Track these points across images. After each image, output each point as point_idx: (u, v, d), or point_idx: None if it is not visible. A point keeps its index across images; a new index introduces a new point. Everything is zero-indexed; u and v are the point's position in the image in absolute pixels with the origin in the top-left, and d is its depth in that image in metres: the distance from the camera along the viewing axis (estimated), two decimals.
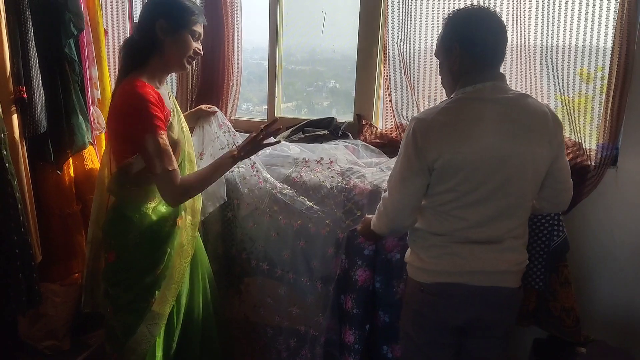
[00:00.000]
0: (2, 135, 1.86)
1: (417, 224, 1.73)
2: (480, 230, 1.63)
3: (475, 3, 2.46)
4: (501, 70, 1.69)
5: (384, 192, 1.76)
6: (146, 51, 1.80)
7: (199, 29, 1.84)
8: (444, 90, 2.53)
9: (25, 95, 1.95)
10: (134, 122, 1.70)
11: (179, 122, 1.90)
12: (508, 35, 1.66)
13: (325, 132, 2.71)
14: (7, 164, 1.87)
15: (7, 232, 1.89)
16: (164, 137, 1.70)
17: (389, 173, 2.10)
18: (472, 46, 1.62)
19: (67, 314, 2.56)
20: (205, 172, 1.85)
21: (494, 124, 1.57)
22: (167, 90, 1.95)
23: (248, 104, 3.31)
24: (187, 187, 1.77)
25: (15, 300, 1.92)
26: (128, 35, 2.65)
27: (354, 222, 2.20)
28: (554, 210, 1.95)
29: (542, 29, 2.38)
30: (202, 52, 1.89)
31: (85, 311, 2.07)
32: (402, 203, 1.67)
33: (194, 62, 2.79)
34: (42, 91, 2.02)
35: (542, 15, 2.36)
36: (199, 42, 1.87)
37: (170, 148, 1.72)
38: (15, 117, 1.97)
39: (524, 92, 1.90)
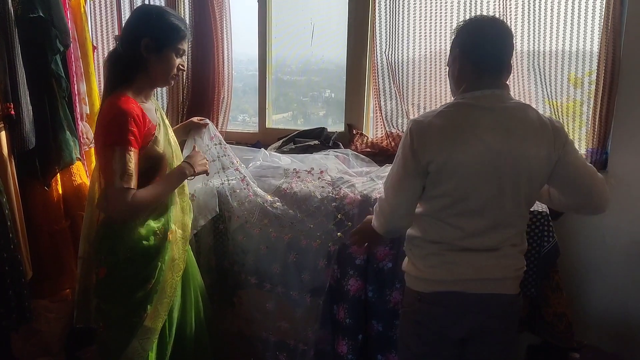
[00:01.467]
0: None
1: (414, 231, 1.73)
2: (477, 240, 1.63)
3: (471, 10, 2.49)
4: None
5: (381, 194, 1.78)
6: (131, 68, 1.80)
7: (183, 46, 1.85)
8: (433, 99, 2.66)
9: (13, 112, 1.95)
10: (109, 132, 1.70)
11: (166, 135, 1.90)
12: None
13: (316, 142, 2.73)
14: None
15: None
16: (131, 155, 1.69)
17: (380, 182, 2.11)
18: (471, 54, 1.63)
19: (61, 329, 2.54)
20: (157, 190, 1.81)
21: (489, 132, 1.57)
22: (155, 104, 1.95)
23: (244, 115, 3.33)
24: (137, 206, 1.74)
25: (5, 317, 1.91)
26: None
27: (345, 233, 2.19)
28: (590, 214, 1.88)
29: (529, 34, 2.40)
30: (185, 68, 1.91)
31: (78, 326, 2.06)
32: (397, 204, 1.69)
33: (184, 74, 2.87)
34: (30, 108, 2.02)
35: (529, 21, 2.39)
36: (183, 57, 1.88)
37: (133, 168, 1.69)
38: (3, 134, 1.96)
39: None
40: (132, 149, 1.69)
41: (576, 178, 1.67)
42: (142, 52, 1.78)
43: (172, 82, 1.90)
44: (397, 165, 1.67)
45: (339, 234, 2.21)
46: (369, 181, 2.32)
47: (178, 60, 1.85)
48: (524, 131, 1.59)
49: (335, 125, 3.00)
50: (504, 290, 1.67)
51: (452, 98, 1.73)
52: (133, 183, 1.69)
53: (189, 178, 1.93)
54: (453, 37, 1.70)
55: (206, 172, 1.95)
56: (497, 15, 2.42)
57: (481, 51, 1.62)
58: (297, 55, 3.07)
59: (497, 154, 1.57)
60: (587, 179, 1.68)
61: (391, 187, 1.69)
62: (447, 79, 2.51)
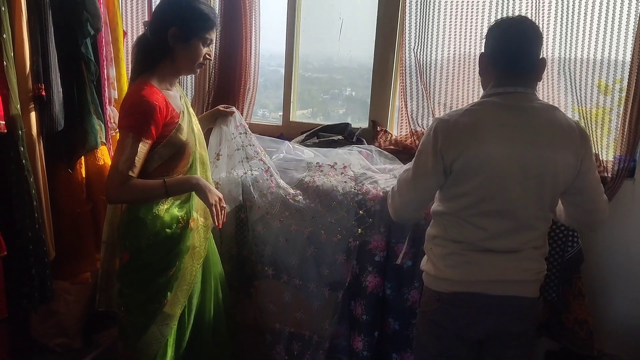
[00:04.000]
0: (20, 132, 1.87)
1: (435, 231, 1.72)
2: (499, 241, 1.61)
3: (503, 11, 2.46)
4: None
5: (394, 185, 1.79)
6: (157, 55, 1.82)
7: (211, 35, 1.85)
8: (460, 99, 2.64)
9: (44, 93, 1.97)
10: (128, 117, 1.73)
11: (190, 123, 1.91)
12: None
13: (340, 137, 2.72)
14: (24, 161, 1.88)
15: (22, 229, 1.90)
16: (143, 145, 1.72)
17: None
18: (495, 53, 1.64)
19: (79, 312, 2.57)
20: (155, 187, 1.78)
21: (515, 131, 1.56)
22: (180, 91, 1.96)
23: (264, 110, 3.34)
24: (129, 193, 1.75)
25: (27, 296, 1.93)
26: None
27: (366, 230, 2.19)
28: (584, 230, 1.91)
29: (560, 41, 2.37)
30: (211, 58, 1.91)
31: (100, 310, 2.08)
32: (408, 200, 1.72)
33: (211, 63, 2.87)
34: (61, 89, 2.04)
35: (562, 27, 2.35)
36: (210, 46, 1.88)
37: (140, 157, 1.72)
38: (33, 115, 1.98)
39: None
40: (146, 140, 1.72)
41: (586, 191, 1.67)
42: (169, 41, 1.78)
43: (198, 70, 1.91)
44: (416, 161, 1.67)
45: (359, 230, 2.20)
46: (391, 178, 2.31)
47: (205, 50, 1.85)
48: (551, 132, 1.58)
49: (355, 123, 2.97)
50: (523, 293, 1.66)
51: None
52: (134, 171, 1.72)
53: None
54: (485, 35, 1.69)
55: (211, 205, 1.82)
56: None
57: (505, 51, 1.62)
58: (320, 52, 3.07)
59: (523, 153, 1.56)
60: (595, 195, 1.68)
61: (405, 182, 1.71)
62: (476, 79, 2.54)
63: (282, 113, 3.07)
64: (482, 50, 1.70)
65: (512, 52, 1.61)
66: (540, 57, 1.64)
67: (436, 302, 1.70)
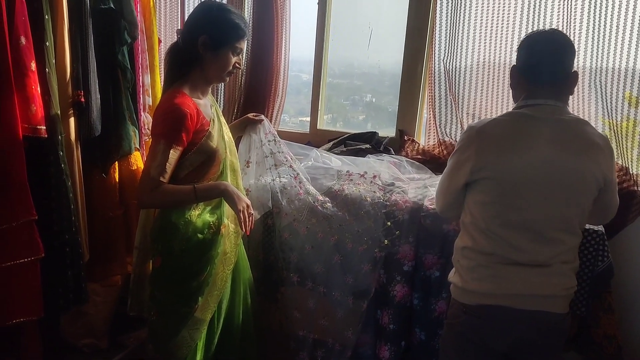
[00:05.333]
0: (60, 136, 1.92)
1: (463, 242, 1.72)
2: (526, 255, 1.61)
3: (534, 20, 2.46)
4: None
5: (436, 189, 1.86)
6: (188, 63, 1.84)
7: (241, 44, 1.87)
8: (489, 109, 2.64)
9: (82, 100, 2.01)
10: (161, 124, 1.76)
11: (220, 131, 1.93)
12: None
13: (367, 146, 2.72)
14: (62, 165, 1.93)
15: (60, 231, 1.94)
16: (174, 152, 1.75)
17: (432, 190, 2.11)
18: (528, 65, 1.65)
19: (107, 313, 2.61)
20: (185, 193, 1.81)
21: (543, 143, 1.56)
22: (211, 99, 1.98)
23: (284, 115, 3.32)
24: (159, 198, 1.78)
25: (62, 297, 1.98)
26: None
27: (392, 242, 2.19)
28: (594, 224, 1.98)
29: (592, 50, 2.35)
30: (241, 66, 1.93)
31: (131, 314, 2.11)
32: (447, 202, 1.78)
33: (240, 71, 2.90)
34: (99, 96, 2.08)
35: (592, 38, 2.34)
36: (239, 56, 1.90)
37: (171, 163, 1.75)
38: (72, 120, 2.03)
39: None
40: (177, 146, 1.75)
41: (607, 202, 1.70)
42: (199, 49, 1.81)
43: (227, 79, 1.93)
44: (450, 164, 1.72)
45: (385, 241, 2.20)
46: (421, 188, 2.31)
47: (234, 59, 1.87)
48: (580, 146, 1.57)
49: (375, 130, 2.95)
50: (552, 309, 1.64)
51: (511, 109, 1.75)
52: (165, 177, 1.75)
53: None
54: (517, 48, 1.71)
55: (239, 211, 1.84)
56: (559, 28, 2.39)
57: (537, 63, 1.63)
58: (342, 58, 3.08)
59: (551, 165, 1.56)
60: (613, 203, 1.73)
61: (442, 186, 1.77)
62: (505, 90, 2.53)
63: (302, 118, 3.08)
64: (514, 63, 1.71)
65: (544, 64, 1.62)
66: (573, 70, 1.64)
67: (463, 314, 1.69)
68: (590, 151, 1.58)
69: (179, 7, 3.06)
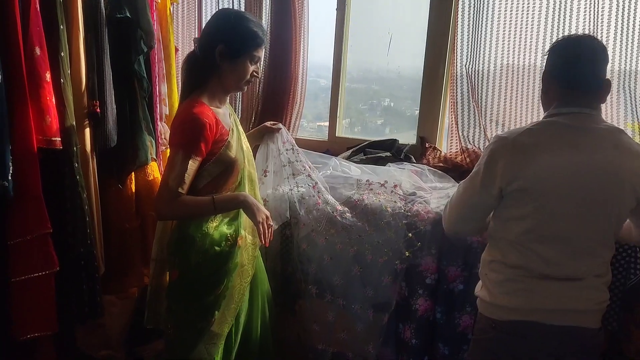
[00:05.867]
0: (75, 148, 1.90)
1: (491, 255, 1.67)
2: (559, 268, 1.55)
3: (560, 24, 2.39)
4: None
5: (450, 197, 1.76)
6: (205, 73, 1.82)
7: (259, 53, 1.84)
8: (513, 116, 2.58)
9: (98, 110, 1.99)
10: (179, 135, 1.75)
11: (239, 140, 1.91)
12: None
13: (387, 154, 2.67)
14: (77, 177, 1.90)
15: (75, 244, 1.92)
16: (193, 162, 1.72)
17: None
18: (560, 72, 1.59)
19: (123, 324, 2.58)
20: (204, 204, 1.78)
21: (578, 153, 1.51)
22: (229, 109, 1.96)
23: (302, 120, 3.26)
24: (178, 210, 1.76)
25: (77, 311, 1.95)
26: None
27: (414, 253, 2.14)
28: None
29: (620, 53, 2.28)
30: (259, 75, 1.91)
31: (148, 327, 2.08)
32: (461, 217, 1.70)
33: (258, 78, 2.87)
34: (115, 106, 2.06)
35: (621, 40, 2.27)
36: (257, 64, 1.87)
37: (189, 174, 1.73)
38: (87, 131, 2.01)
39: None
40: (195, 157, 1.72)
41: None
42: (217, 58, 1.78)
43: (245, 88, 1.91)
44: (471, 178, 1.64)
45: (407, 252, 2.15)
46: (444, 198, 2.25)
47: (252, 68, 1.84)
48: (616, 156, 1.51)
49: (393, 135, 2.94)
50: (584, 324, 1.58)
51: (537, 117, 1.71)
52: (183, 188, 1.72)
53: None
54: (547, 53, 1.65)
55: (259, 223, 1.81)
56: (587, 32, 2.32)
57: (571, 70, 1.57)
58: (359, 62, 3.05)
59: (586, 177, 1.50)
60: None
61: (457, 195, 1.69)
62: (530, 95, 2.46)
63: (319, 123, 3.06)
64: (543, 67, 1.66)
65: (579, 71, 1.57)
66: (606, 77, 1.59)
67: (491, 330, 1.63)
68: (629, 161, 1.52)
69: (197, 15, 3.04)
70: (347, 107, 3.12)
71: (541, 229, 1.54)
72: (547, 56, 1.65)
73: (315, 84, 3.10)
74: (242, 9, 2.93)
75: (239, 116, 3.04)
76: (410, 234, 2.15)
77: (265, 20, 2.93)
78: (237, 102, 3.07)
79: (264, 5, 2.93)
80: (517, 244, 1.58)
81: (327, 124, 3.05)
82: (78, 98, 1.95)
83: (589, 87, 1.57)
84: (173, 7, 2.95)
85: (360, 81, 3.14)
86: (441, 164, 2.64)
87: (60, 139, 1.81)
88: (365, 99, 3.19)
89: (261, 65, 2.86)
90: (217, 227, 1.88)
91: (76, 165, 1.90)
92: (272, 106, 2.94)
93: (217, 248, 1.85)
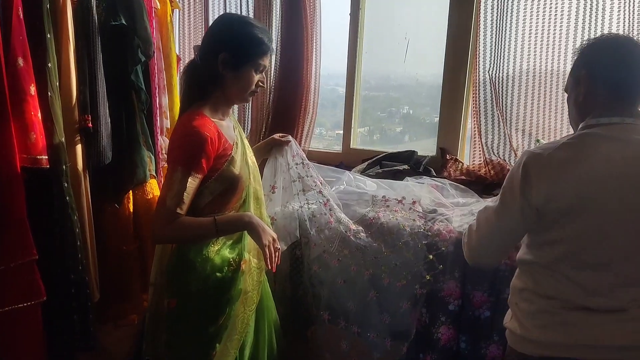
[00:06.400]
0: (64, 166, 1.77)
1: (523, 283, 1.51)
2: (600, 299, 1.38)
3: (590, 26, 2.24)
4: None
5: (472, 222, 1.61)
6: (207, 83, 1.71)
7: (265, 61, 1.72)
8: (541, 124, 2.40)
9: (90, 125, 1.86)
10: (178, 150, 1.63)
11: (243, 155, 1.79)
12: None
13: (405, 167, 2.52)
14: (67, 197, 1.77)
15: (64, 271, 1.79)
16: (193, 180, 1.60)
17: None
18: (601, 75, 1.43)
19: (124, 355, 2.45)
20: (205, 226, 1.64)
21: (622, 169, 1.35)
22: (233, 121, 1.85)
23: (321, 128, 3.27)
24: (177, 233, 1.62)
25: (67, 344, 1.81)
26: None
27: (435, 277, 1.99)
28: None
29: None
30: (264, 85, 1.79)
31: (147, 358, 1.94)
32: (487, 241, 1.55)
33: (268, 86, 2.75)
34: (109, 120, 1.93)
35: None
36: (263, 73, 1.76)
37: (189, 193, 1.60)
38: (79, 148, 1.88)
39: None
40: (196, 174, 1.60)
41: None
42: (219, 68, 1.67)
43: (250, 99, 1.80)
44: (500, 199, 1.49)
45: (427, 276, 2.01)
46: (467, 215, 2.08)
47: (257, 77, 1.73)
48: None
49: (413, 142, 2.91)
50: None
51: (567, 126, 1.52)
52: (182, 208, 1.60)
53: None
54: (576, 58, 1.50)
55: (264, 246, 1.66)
56: (619, 31, 2.16)
57: (614, 73, 1.42)
58: (378, 70, 2.99)
59: (630, 196, 1.33)
60: None
61: (485, 221, 1.54)
62: (558, 103, 2.28)
63: (338, 131, 2.96)
64: (571, 72, 1.50)
65: (621, 77, 1.41)
66: None
67: None
68: None
69: (203, 22, 2.92)
70: (365, 115, 3.06)
71: (580, 254, 1.38)
72: (578, 57, 1.49)
73: (334, 93, 3.11)
74: (251, 15, 2.80)
75: (248, 128, 2.92)
76: (430, 256, 2.01)
77: (275, 27, 2.82)
78: (247, 112, 2.95)
79: (273, 11, 2.82)
80: (552, 271, 1.42)
81: (357, 130, 2.97)
82: (68, 112, 1.82)
83: (632, 94, 1.42)
84: (177, 14, 2.85)
85: (378, 89, 3.10)
86: (463, 177, 2.50)
87: (47, 157, 1.69)
88: (384, 107, 3.15)
89: (270, 74, 2.77)
90: (219, 250, 1.74)
91: (66, 185, 1.77)
92: (283, 117, 2.82)
93: (218, 274, 1.72)
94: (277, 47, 2.76)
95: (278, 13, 2.79)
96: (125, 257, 2.11)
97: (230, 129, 1.77)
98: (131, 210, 2.11)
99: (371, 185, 2.36)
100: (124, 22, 1.93)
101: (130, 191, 2.10)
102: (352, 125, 2.87)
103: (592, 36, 2.20)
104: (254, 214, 1.77)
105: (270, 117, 2.87)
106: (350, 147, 2.89)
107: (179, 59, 2.43)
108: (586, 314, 1.39)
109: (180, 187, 1.58)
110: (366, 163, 2.66)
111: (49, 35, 1.71)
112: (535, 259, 1.47)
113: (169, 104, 2.33)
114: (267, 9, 2.81)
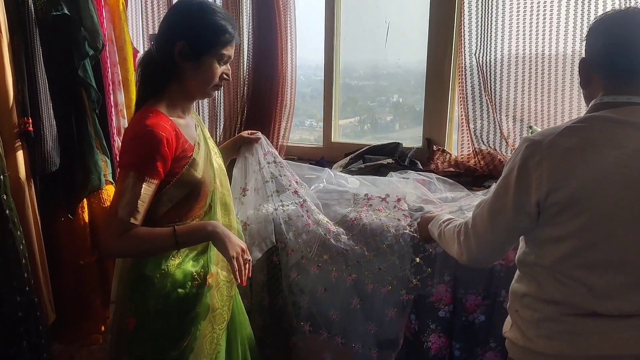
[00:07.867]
0: (2, 176, 1.59)
1: (524, 287, 1.42)
2: (611, 303, 1.29)
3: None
4: None
5: (468, 219, 1.50)
6: (163, 75, 1.54)
7: (229, 51, 1.56)
8: (533, 109, 2.25)
9: (31, 129, 1.69)
10: (130, 153, 1.48)
11: (207, 156, 1.62)
12: None
13: (390, 160, 2.38)
14: (7, 211, 1.59)
15: (8, 293, 1.61)
16: (147, 186, 1.44)
17: (470, 214, 1.73)
18: (605, 54, 1.34)
19: None
20: (163, 237, 1.48)
21: (633, 156, 1.25)
22: (196, 118, 1.68)
23: (311, 120, 3.19)
24: (130, 246, 1.46)
25: None
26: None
27: (423, 281, 1.87)
28: None
29: None
30: (229, 77, 1.62)
31: None
32: (485, 241, 1.44)
33: (242, 79, 2.57)
34: (54, 122, 1.76)
35: None
36: (227, 65, 1.59)
37: (144, 201, 1.44)
38: (20, 155, 1.70)
39: None
40: (151, 179, 1.44)
41: None
42: (176, 58, 1.50)
43: (213, 93, 1.63)
44: (496, 192, 1.40)
45: (414, 280, 1.89)
46: (456, 212, 1.93)
47: (221, 68, 1.57)
48: None
49: (403, 131, 2.83)
50: None
51: (560, 111, 1.54)
52: (137, 218, 1.43)
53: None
54: (586, 36, 1.39)
55: (232, 258, 1.50)
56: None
57: (616, 49, 1.33)
58: (365, 59, 2.91)
59: None
60: None
61: (484, 218, 1.42)
62: (552, 85, 2.18)
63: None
64: (577, 55, 1.38)
65: (628, 53, 1.30)
66: None
67: None
68: None
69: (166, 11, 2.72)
70: (355, 105, 3.03)
71: (587, 252, 1.29)
72: (587, 36, 1.38)
73: (321, 84, 2.90)
74: (218, 2, 2.61)
75: (221, 126, 2.76)
76: (417, 259, 1.89)
77: (247, 13, 2.63)
78: (219, 109, 2.77)
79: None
80: (557, 273, 1.32)
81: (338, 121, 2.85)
82: (5, 116, 1.64)
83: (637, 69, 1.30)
84: (140, 3, 2.66)
85: (367, 78, 3.01)
86: (451, 169, 2.38)
87: None
88: (374, 96, 3.07)
89: (243, 66, 2.59)
90: (181, 264, 1.57)
91: (4, 197, 1.59)
92: (258, 112, 2.66)
93: (180, 290, 1.55)
94: (248, 35, 2.59)
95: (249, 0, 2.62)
96: (83, 272, 1.96)
97: (191, 127, 1.61)
98: (87, 220, 1.95)
99: (353, 183, 2.22)
100: (66, 12, 1.76)
101: (85, 199, 1.94)
102: (333, 117, 2.72)
103: (590, 15, 2.10)
104: (221, 222, 1.61)
105: (245, 113, 2.71)
106: (332, 140, 2.74)
107: (136, 52, 2.25)
108: (595, 321, 1.30)
109: (133, 194, 1.41)
110: (348, 158, 2.51)
111: None
112: (536, 259, 1.37)
113: (125, 101, 2.15)
114: None
